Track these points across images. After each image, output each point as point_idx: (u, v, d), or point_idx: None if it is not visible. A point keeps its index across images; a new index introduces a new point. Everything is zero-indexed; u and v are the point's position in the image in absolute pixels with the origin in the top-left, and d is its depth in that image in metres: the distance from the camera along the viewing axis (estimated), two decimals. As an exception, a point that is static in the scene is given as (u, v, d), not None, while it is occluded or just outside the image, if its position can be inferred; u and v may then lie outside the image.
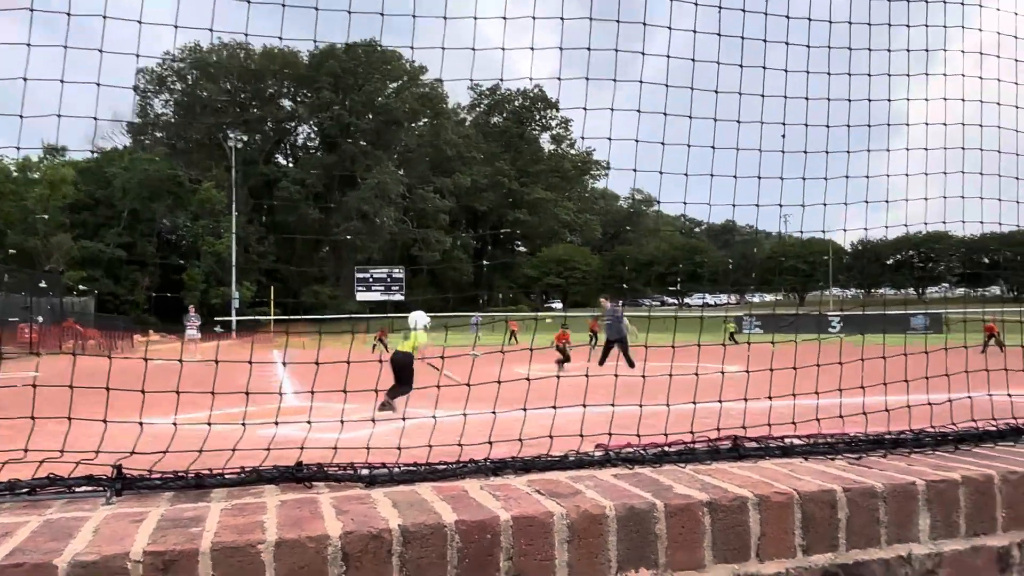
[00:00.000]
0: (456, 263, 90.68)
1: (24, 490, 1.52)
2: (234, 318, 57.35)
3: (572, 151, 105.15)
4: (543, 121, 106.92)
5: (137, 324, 52.78)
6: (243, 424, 1.72)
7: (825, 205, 2.35)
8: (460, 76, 2.03)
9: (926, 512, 1.62)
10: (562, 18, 2.05)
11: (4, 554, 1.18)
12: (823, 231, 2.43)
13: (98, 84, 1.80)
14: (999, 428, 2.13)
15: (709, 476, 1.67)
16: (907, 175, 2.40)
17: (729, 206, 2.22)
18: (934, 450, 1.95)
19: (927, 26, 2.32)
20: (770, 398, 2.07)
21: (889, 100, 2.35)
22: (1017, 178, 2.50)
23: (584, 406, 1.98)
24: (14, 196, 64.18)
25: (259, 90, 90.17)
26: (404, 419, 1.81)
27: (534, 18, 2.04)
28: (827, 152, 2.30)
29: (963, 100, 2.40)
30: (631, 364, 16.38)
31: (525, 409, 1.85)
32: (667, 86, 2.00)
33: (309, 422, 1.81)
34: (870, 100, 2.33)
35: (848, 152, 2.34)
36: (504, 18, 2.02)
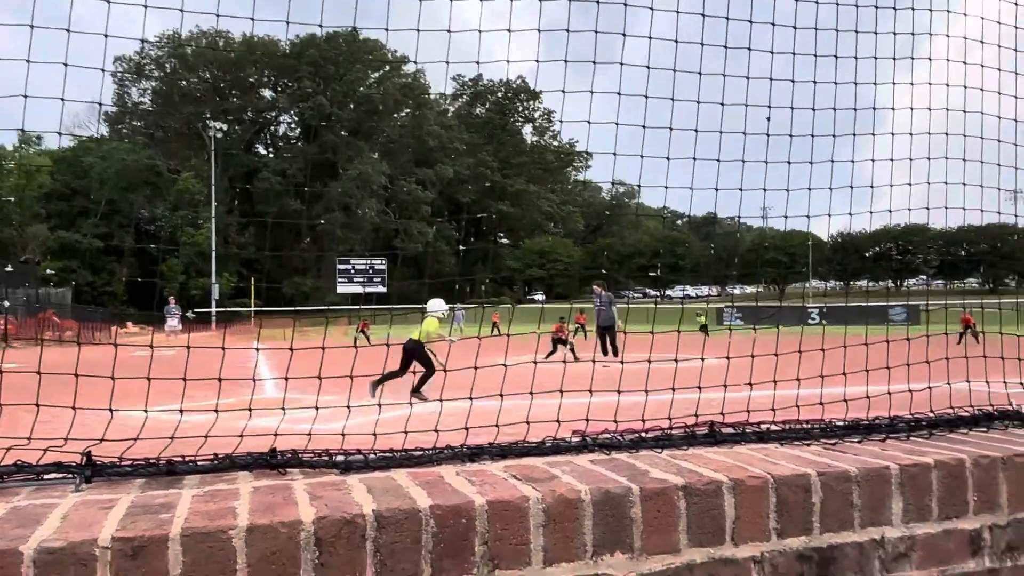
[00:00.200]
0: (440, 255, 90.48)
1: (-9, 478, 1.49)
2: (214, 309, 56.89)
3: (555, 143, 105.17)
4: (526, 112, 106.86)
5: (115, 316, 52.15)
6: (215, 411, 1.70)
7: (810, 190, 2.33)
8: (436, 59, 2.00)
9: (899, 496, 1.63)
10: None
11: (-32, 541, 1.16)
12: (807, 215, 2.39)
13: (65, 64, 1.76)
14: (972, 414, 2.15)
15: (685, 461, 1.67)
16: (892, 159, 2.39)
17: (711, 190, 2.19)
18: (908, 436, 1.97)
19: (913, 9, 2.32)
20: (750, 385, 2.08)
21: (875, 84, 2.34)
22: (999, 164, 2.51)
23: (561, 392, 1.97)
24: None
25: (239, 79, 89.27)
26: (380, 405, 1.80)
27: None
28: (812, 136, 2.28)
29: (947, 85, 2.40)
30: (616, 352, 16.41)
31: (502, 395, 1.84)
32: (648, 68, 1.99)
33: (283, 409, 1.79)
34: (856, 83, 2.32)
35: (834, 136, 2.33)
36: (481, 0, 2.00)
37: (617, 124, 2.04)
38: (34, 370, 1.72)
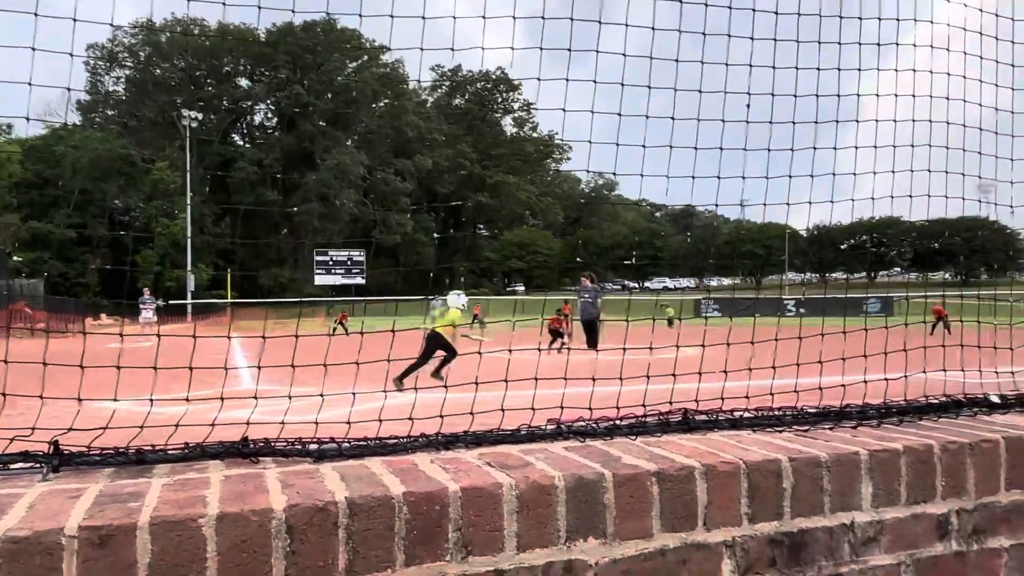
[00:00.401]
0: (419, 247, 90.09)
1: (-45, 468, 1.46)
2: (189, 301, 56.25)
3: (534, 134, 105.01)
4: (505, 104, 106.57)
5: (88, 307, 51.41)
6: (187, 399, 1.68)
7: (791, 177, 2.32)
8: (411, 45, 1.98)
9: (868, 481, 1.66)
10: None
11: (-71, 531, 1.14)
12: (787, 203, 2.38)
13: (32, 48, 1.72)
14: (942, 402, 2.18)
15: (658, 447, 1.68)
16: (876, 146, 2.38)
17: (688, 178, 2.18)
18: (879, 423, 2.00)
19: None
20: (725, 372, 2.09)
21: (859, 70, 2.34)
22: (980, 152, 2.52)
23: (535, 379, 1.98)
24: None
25: (214, 67, 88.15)
26: (354, 394, 1.79)
27: (488, -13, 2.01)
28: (794, 123, 2.27)
29: (931, 72, 2.41)
30: (595, 346, 16.45)
31: (476, 383, 1.84)
32: (624, 55, 1.98)
33: (256, 398, 1.77)
34: (840, 69, 2.32)
35: (816, 123, 2.32)
36: (457, -13, 1.99)
37: (592, 112, 2.03)
38: (0, 359, 1.69)
